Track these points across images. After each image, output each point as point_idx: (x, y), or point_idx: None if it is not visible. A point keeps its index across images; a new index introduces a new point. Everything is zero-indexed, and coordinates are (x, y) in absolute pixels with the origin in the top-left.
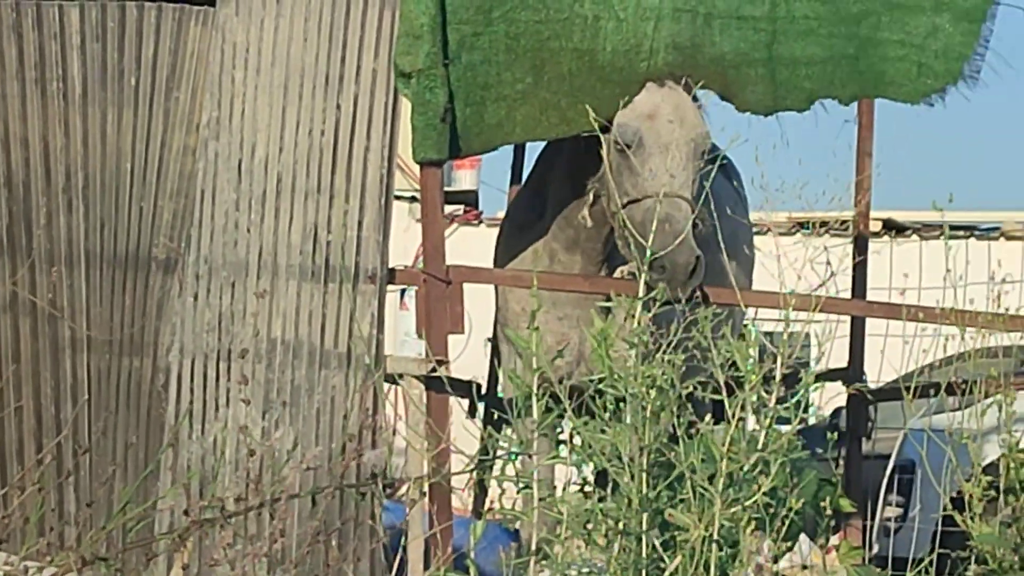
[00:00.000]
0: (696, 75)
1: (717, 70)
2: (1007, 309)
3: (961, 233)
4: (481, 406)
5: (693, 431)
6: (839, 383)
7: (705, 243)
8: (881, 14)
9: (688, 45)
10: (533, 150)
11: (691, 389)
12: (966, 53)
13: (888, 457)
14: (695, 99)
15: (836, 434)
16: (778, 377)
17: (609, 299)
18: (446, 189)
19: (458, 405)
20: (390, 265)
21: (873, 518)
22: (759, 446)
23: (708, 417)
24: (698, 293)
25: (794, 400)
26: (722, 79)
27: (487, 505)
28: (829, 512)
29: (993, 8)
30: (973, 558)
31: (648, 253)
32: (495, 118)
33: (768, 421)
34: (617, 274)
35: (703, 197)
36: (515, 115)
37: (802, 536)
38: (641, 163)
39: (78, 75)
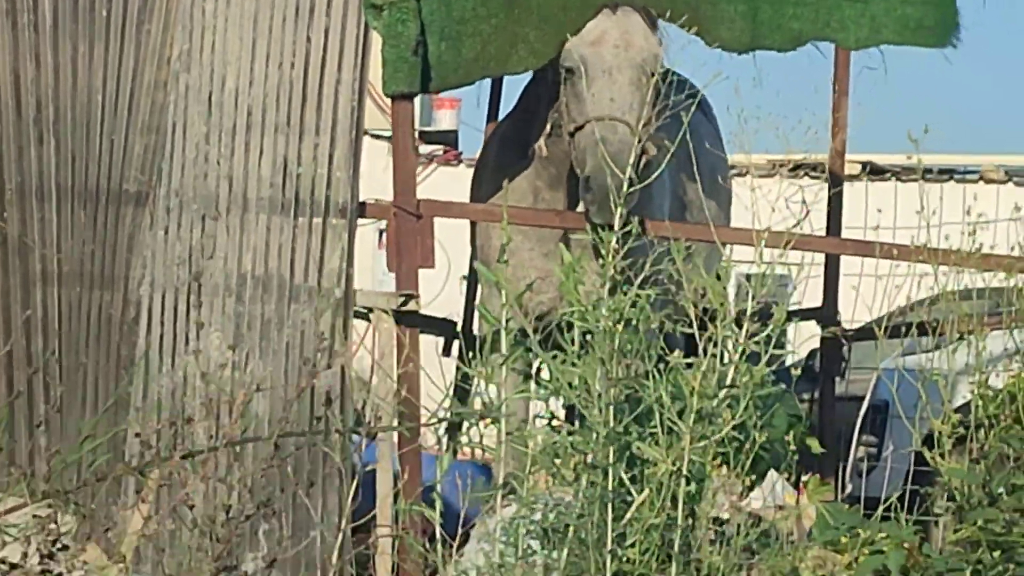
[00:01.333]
0: (660, 6)
1: (687, 3)
2: (980, 246)
3: (940, 175)
4: (456, 345)
5: (663, 366)
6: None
7: (674, 176)
8: None
9: None
10: (510, 87)
11: (661, 323)
12: None
13: (863, 398)
14: (654, 24)
15: (803, 372)
16: (748, 312)
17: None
18: (426, 129)
19: (433, 344)
20: (362, 199)
21: (846, 458)
22: (728, 382)
23: (678, 352)
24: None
25: (763, 335)
26: (693, 13)
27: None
28: (793, 448)
29: None
30: (944, 495)
31: (583, 175)
32: (471, 53)
33: (739, 357)
34: (581, 207)
35: (653, 124)
36: (489, 49)
37: (773, 474)
38: (585, 88)
39: (49, 7)
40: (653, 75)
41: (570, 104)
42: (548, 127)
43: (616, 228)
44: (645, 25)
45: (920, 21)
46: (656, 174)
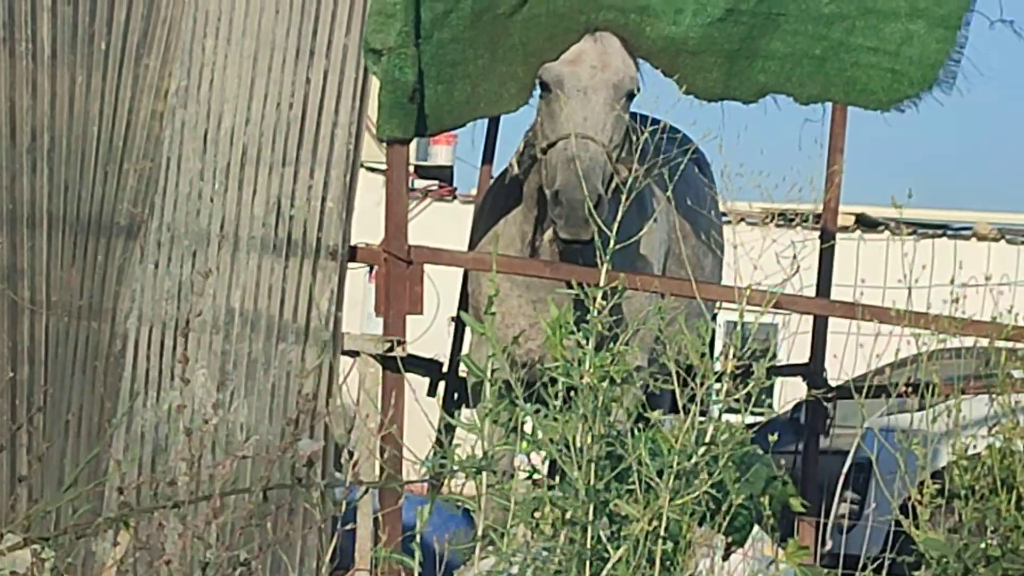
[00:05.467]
0: (642, 50)
1: (667, 50)
2: (963, 312)
3: (934, 231)
4: (442, 386)
5: (644, 423)
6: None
7: (669, 232)
8: (855, 19)
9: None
10: (507, 128)
11: (644, 381)
12: (941, 60)
13: (848, 452)
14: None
15: (789, 424)
16: (727, 369)
17: (570, 285)
18: (422, 163)
19: (417, 384)
20: (357, 240)
21: (828, 515)
22: (707, 439)
23: (659, 411)
24: (660, 286)
25: (744, 392)
26: (672, 60)
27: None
28: (770, 511)
29: (968, 15)
30: (923, 563)
31: (552, 190)
32: (463, 95)
33: (718, 413)
34: (547, 238)
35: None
36: (479, 91)
37: (757, 530)
38: (560, 107)
39: (48, 36)
40: (629, 97)
41: (544, 122)
42: (521, 146)
43: (588, 241)
44: (623, 49)
45: (866, 84)
46: (649, 222)
